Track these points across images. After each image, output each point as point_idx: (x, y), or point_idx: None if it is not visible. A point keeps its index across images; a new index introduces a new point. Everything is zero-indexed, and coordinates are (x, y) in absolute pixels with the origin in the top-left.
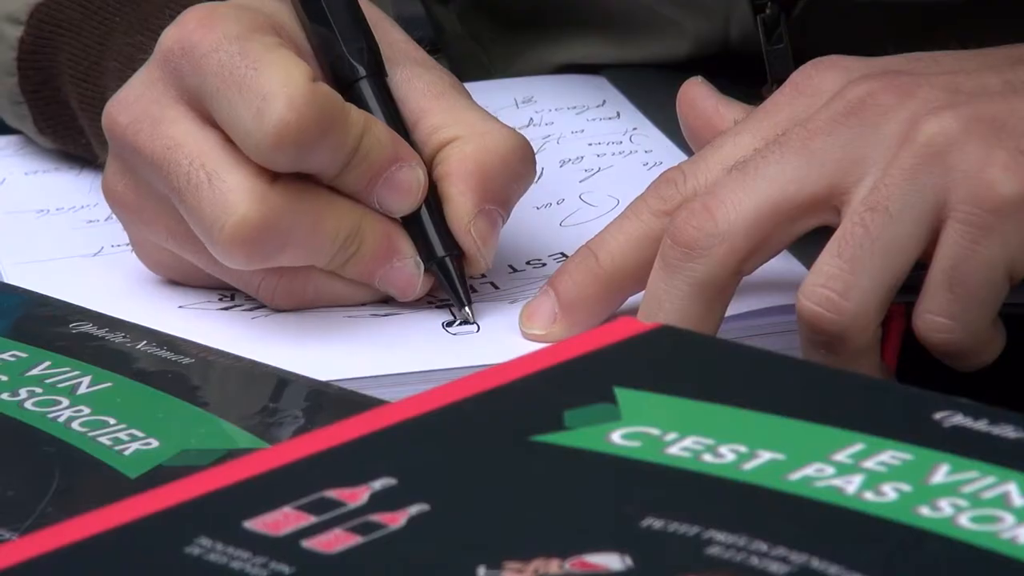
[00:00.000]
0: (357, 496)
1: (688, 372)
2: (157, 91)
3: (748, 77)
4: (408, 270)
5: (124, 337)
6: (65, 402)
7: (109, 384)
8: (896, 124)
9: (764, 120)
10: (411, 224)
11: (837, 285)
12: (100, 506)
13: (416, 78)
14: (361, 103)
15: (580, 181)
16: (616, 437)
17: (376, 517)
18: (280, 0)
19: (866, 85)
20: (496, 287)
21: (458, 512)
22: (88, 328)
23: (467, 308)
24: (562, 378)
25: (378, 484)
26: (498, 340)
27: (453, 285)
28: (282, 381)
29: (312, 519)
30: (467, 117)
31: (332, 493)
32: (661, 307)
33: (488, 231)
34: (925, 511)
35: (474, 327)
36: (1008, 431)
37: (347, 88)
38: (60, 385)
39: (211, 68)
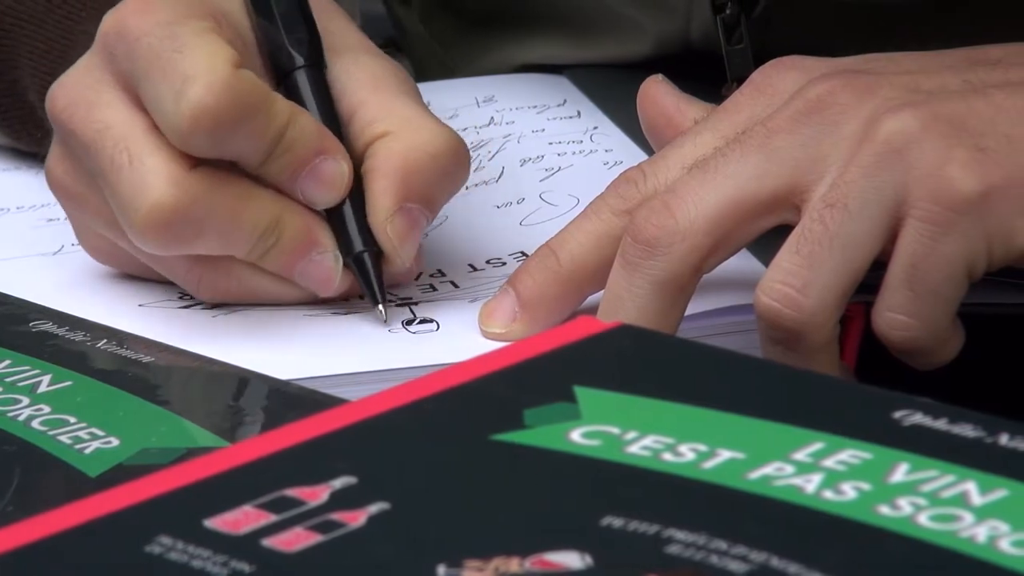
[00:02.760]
0: (317, 495)
1: (648, 371)
2: (95, 75)
3: (709, 76)
4: (326, 263)
5: (84, 336)
6: (25, 401)
7: (69, 383)
8: (855, 122)
9: (724, 119)
10: (333, 218)
11: (795, 281)
12: (60, 505)
13: (358, 69)
14: (296, 93)
15: (541, 180)
16: (576, 436)
17: (336, 516)
18: None
19: (826, 84)
20: (456, 286)
21: (418, 511)
22: (48, 327)
23: (380, 307)
24: (522, 377)
25: (338, 483)
26: (458, 339)
27: (368, 281)
28: (242, 380)
29: (272, 518)
30: (402, 112)
31: (292, 492)
32: (622, 305)
33: (406, 229)
34: (885, 510)
35: (433, 324)
36: (967, 430)
37: (284, 77)
38: (20, 384)
39: (141, 51)
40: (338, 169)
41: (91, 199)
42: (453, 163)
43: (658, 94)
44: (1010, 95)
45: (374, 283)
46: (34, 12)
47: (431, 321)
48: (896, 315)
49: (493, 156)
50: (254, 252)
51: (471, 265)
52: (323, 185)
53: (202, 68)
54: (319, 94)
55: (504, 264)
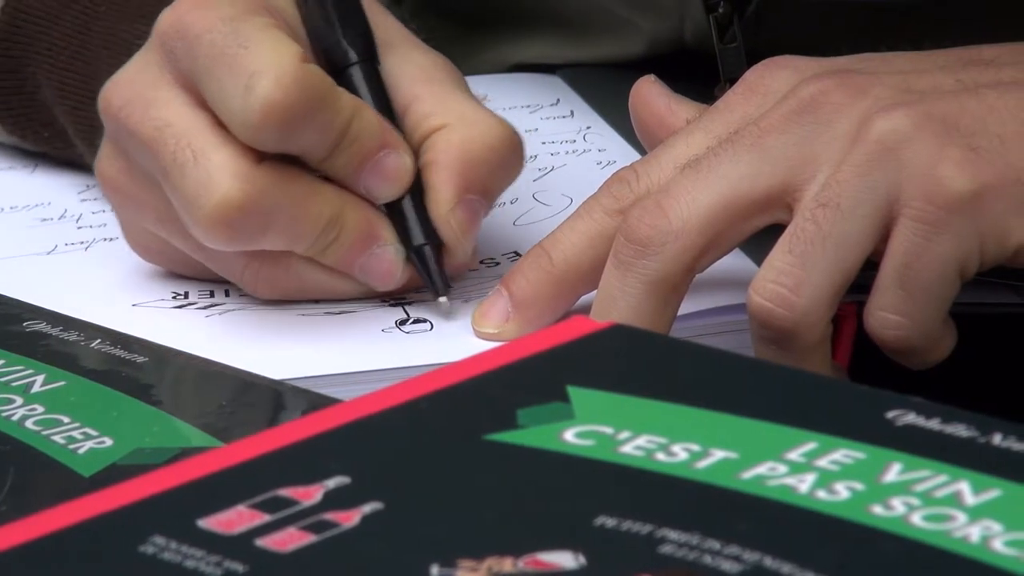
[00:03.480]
0: (311, 495)
1: (641, 371)
2: (152, 73)
3: (702, 76)
4: (388, 256)
5: (78, 335)
6: (19, 401)
7: (63, 383)
8: (848, 122)
9: (717, 119)
10: (394, 212)
11: (788, 281)
12: (54, 505)
13: (409, 63)
14: (352, 88)
15: (534, 180)
16: (569, 436)
17: (330, 516)
18: None
19: (819, 83)
20: (449, 286)
21: (412, 511)
22: (42, 327)
23: (443, 298)
24: (515, 377)
25: (332, 483)
26: (451, 339)
27: (430, 273)
28: (236, 380)
29: (266, 518)
30: (457, 105)
31: (286, 492)
32: (615, 305)
33: (468, 221)
34: (878, 510)
35: (427, 324)
36: (960, 430)
37: (339, 73)
38: (14, 384)
39: (203, 49)
40: (401, 163)
41: (146, 198)
42: (510, 154)
43: (650, 94)
44: (1002, 95)
45: (435, 275)
46: (49, 9)
47: (424, 321)
48: (888, 314)
49: None
50: (316, 246)
51: None
52: (387, 179)
53: (269, 63)
54: (375, 89)
55: (498, 264)
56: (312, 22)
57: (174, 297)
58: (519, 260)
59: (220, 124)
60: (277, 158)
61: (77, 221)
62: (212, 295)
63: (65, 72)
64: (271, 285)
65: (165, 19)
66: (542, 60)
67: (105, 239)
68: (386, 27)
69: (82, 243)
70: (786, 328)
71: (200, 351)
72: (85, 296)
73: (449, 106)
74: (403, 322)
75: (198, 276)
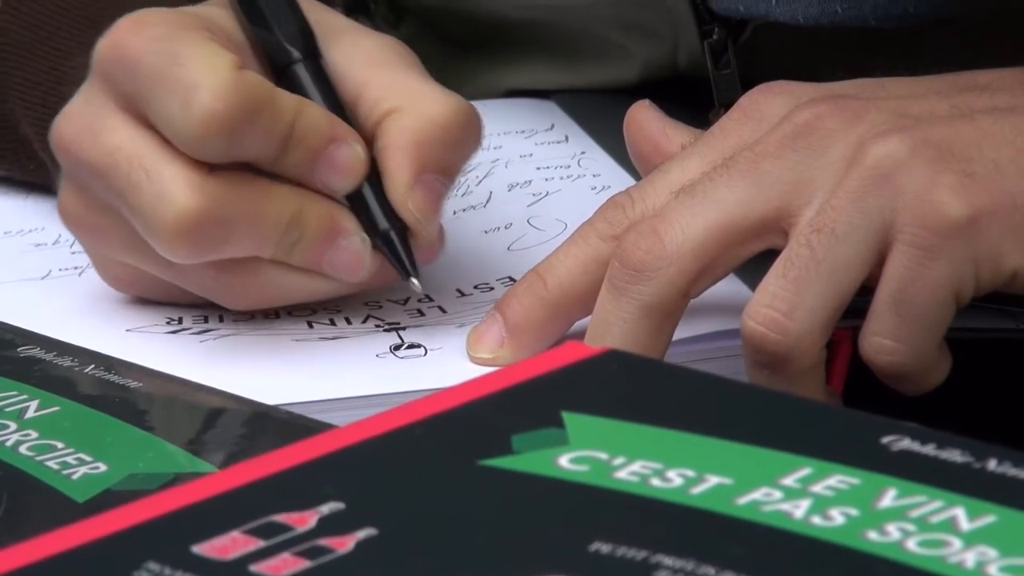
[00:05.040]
0: (305, 520)
1: (636, 396)
2: (97, 103)
3: (696, 101)
4: (354, 248)
5: (72, 361)
6: (13, 426)
7: (57, 408)
8: (843, 147)
9: (712, 144)
10: (355, 202)
11: (782, 306)
12: (48, 530)
13: (355, 50)
14: (297, 86)
15: (528, 205)
16: (564, 461)
17: (324, 541)
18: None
19: (814, 109)
20: (444, 311)
21: (406, 537)
22: (36, 352)
23: (414, 280)
24: (510, 402)
25: (326, 508)
26: (446, 364)
27: (399, 256)
28: (230, 405)
29: (260, 543)
30: (407, 86)
31: (280, 517)
32: (609, 330)
33: (426, 202)
34: (873, 535)
35: (421, 350)
36: (955, 455)
37: (283, 73)
38: (8, 409)
39: (141, 70)
40: (353, 153)
41: (109, 228)
42: (464, 130)
43: (645, 119)
44: (997, 120)
45: (404, 258)
46: (22, 41)
47: (419, 346)
48: (883, 340)
49: (481, 181)
50: (281, 247)
51: (459, 290)
52: (340, 171)
53: (205, 75)
54: (320, 83)
55: (492, 289)
56: (249, 27)
57: (168, 322)
58: (513, 286)
59: (167, 142)
60: (230, 165)
61: (71, 247)
62: (206, 320)
63: (40, 108)
64: (244, 295)
65: (103, 46)
66: (536, 86)
67: None
68: (327, 20)
69: (76, 268)
70: (780, 353)
71: (194, 376)
72: (79, 321)
73: (399, 88)
74: (397, 347)
75: (174, 300)
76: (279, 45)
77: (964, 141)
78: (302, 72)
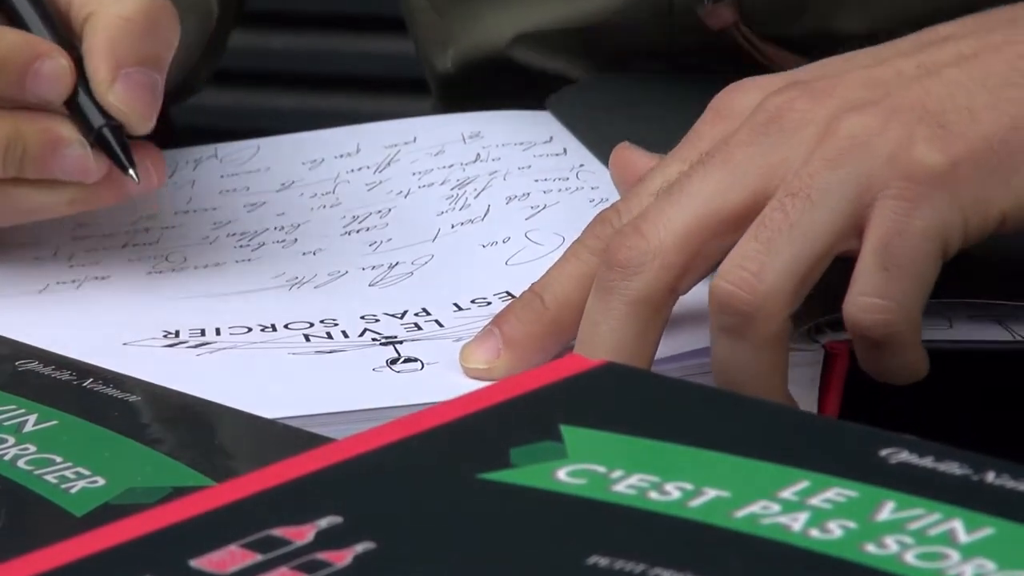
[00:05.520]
0: (303, 534)
1: (634, 409)
2: None
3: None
4: (75, 153)
5: (70, 375)
6: (11, 440)
7: (55, 422)
8: (815, 126)
9: (688, 148)
10: (73, 109)
11: (752, 265)
12: (46, 545)
13: None
14: (15, 15)
15: (526, 219)
16: (562, 475)
17: (322, 555)
18: None
19: (783, 95)
20: (441, 325)
21: (404, 550)
22: (34, 366)
23: (131, 171)
24: (508, 416)
25: (324, 522)
26: (442, 378)
27: (113, 152)
28: (228, 419)
29: (258, 557)
30: None
31: (278, 531)
32: (597, 330)
33: (130, 92)
34: (871, 548)
35: (417, 364)
36: (953, 468)
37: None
38: (6, 423)
39: None
40: (57, 65)
41: None
42: (154, 21)
43: (629, 156)
44: (964, 69)
45: (118, 152)
46: None
47: (415, 360)
48: (870, 298)
49: (479, 194)
50: (8, 167)
51: (456, 304)
52: (49, 83)
53: None
54: (32, 4)
55: (489, 304)
56: None
57: (164, 336)
58: (511, 303)
59: None
60: None
61: (69, 260)
62: (203, 334)
63: None
64: None
65: None
66: (542, 27)
67: (96, 277)
68: None
69: (73, 282)
70: (746, 312)
71: (190, 389)
72: (75, 335)
73: None
74: (394, 361)
75: None
76: None
77: (935, 96)
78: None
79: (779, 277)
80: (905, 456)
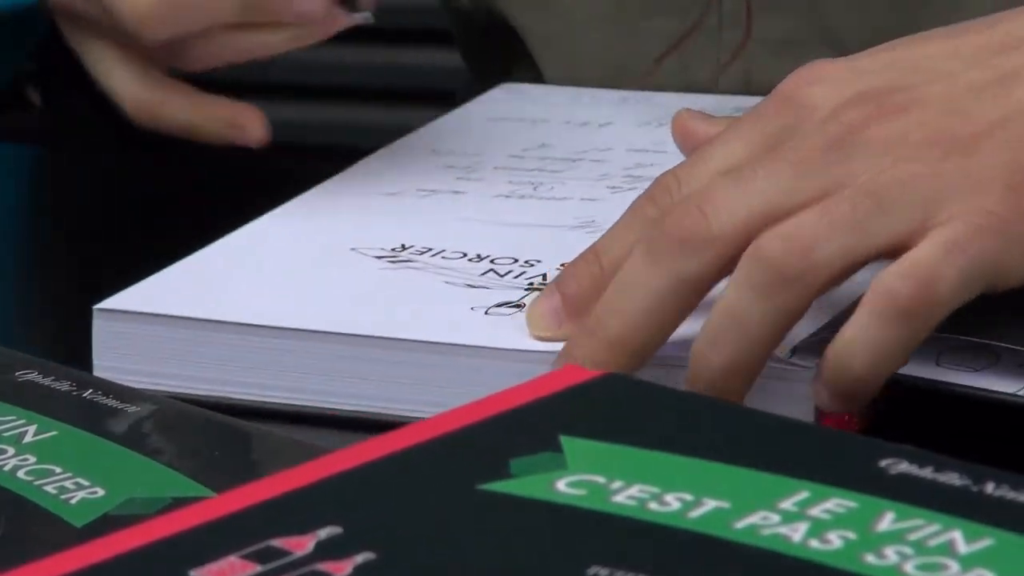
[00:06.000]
0: (303, 545)
1: (634, 420)
2: None
3: None
4: None
5: (70, 385)
6: (11, 451)
7: (55, 432)
8: (888, 152)
9: (753, 129)
10: None
11: (807, 236)
12: (46, 555)
13: None
14: None
15: None
16: (562, 485)
17: (322, 566)
18: None
19: (858, 111)
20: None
21: (404, 561)
22: (34, 376)
23: (366, 13)
24: (508, 426)
25: (324, 532)
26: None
27: None
28: (228, 429)
29: (258, 568)
30: None
31: (278, 542)
32: (635, 293)
33: None
34: (871, 559)
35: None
36: (953, 479)
37: None
38: (6, 434)
39: None
40: None
41: (100, 29)
42: None
43: (690, 123)
44: None
45: None
46: None
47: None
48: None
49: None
50: (248, 11)
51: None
52: None
53: None
54: None
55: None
56: None
57: (391, 249)
58: (571, 263)
59: None
60: None
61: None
62: (402, 248)
63: None
64: (201, 59)
65: None
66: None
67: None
68: None
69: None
70: (788, 276)
71: (334, 297)
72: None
73: None
74: (500, 305)
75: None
76: None
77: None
78: None
79: (832, 256)
80: (905, 467)
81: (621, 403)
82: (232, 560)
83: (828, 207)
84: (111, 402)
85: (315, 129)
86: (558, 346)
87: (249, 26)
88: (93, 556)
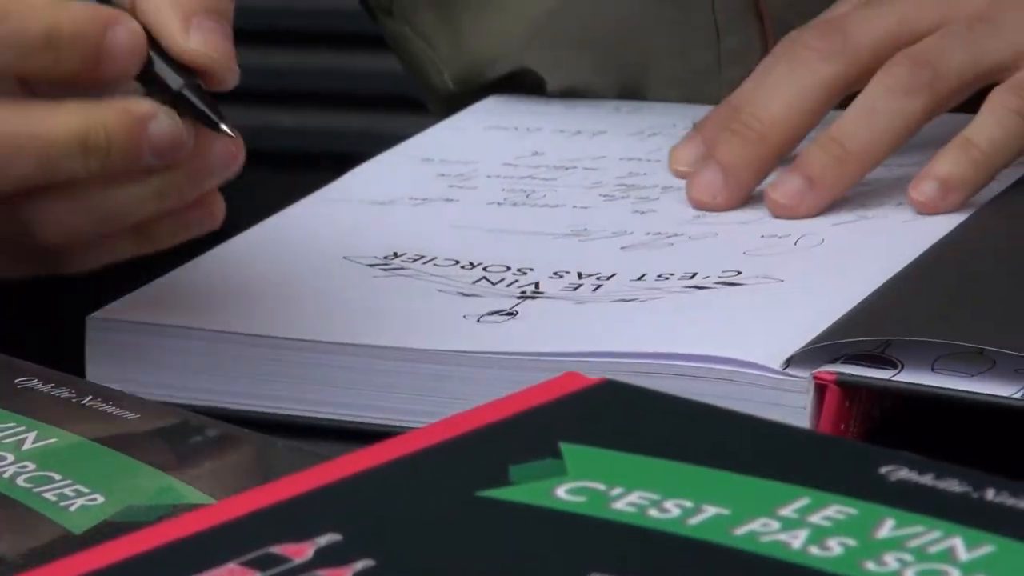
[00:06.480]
0: (302, 552)
1: (633, 427)
2: None
3: None
4: (165, 125)
5: (69, 392)
6: (10, 458)
7: (54, 439)
8: None
9: None
10: (144, 77)
11: (932, 52)
12: (45, 562)
13: None
14: None
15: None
16: (561, 492)
17: (321, 573)
18: None
19: None
20: (597, 289)
21: (403, 568)
22: (33, 383)
23: (224, 126)
24: (507, 433)
25: (323, 539)
26: (511, 331)
27: (199, 110)
28: (228, 436)
29: (258, 575)
30: None
31: (277, 549)
32: (777, 91)
33: (210, 37)
34: (871, 565)
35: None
36: (953, 485)
37: None
38: (5, 441)
39: None
40: (130, 30)
41: None
42: None
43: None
44: None
45: (205, 109)
46: None
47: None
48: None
49: None
50: (92, 162)
51: (662, 275)
52: (125, 54)
53: None
54: None
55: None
56: None
57: (384, 257)
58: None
59: None
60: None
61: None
62: (395, 256)
63: None
64: (60, 224)
65: None
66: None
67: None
68: None
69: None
70: (918, 82)
71: (329, 302)
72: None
73: None
74: (492, 313)
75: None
76: None
77: None
78: None
79: (953, 70)
80: (905, 473)
81: (621, 410)
82: (232, 567)
83: (949, 30)
84: (111, 409)
85: (308, 136)
86: (552, 352)
87: (100, 182)
88: (92, 563)
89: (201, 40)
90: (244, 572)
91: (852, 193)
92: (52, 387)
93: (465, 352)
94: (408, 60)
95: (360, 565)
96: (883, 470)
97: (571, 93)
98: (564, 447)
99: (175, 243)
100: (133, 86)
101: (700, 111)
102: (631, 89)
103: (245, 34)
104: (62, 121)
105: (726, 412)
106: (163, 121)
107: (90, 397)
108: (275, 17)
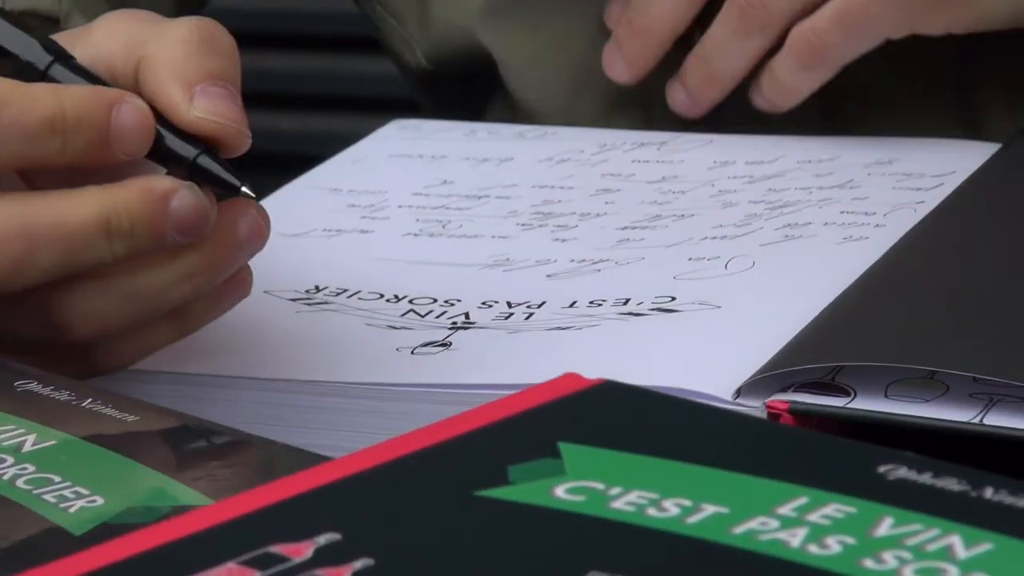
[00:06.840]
0: (301, 551)
1: (632, 426)
2: None
3: None
4: (188, 200)
5: (69, 395)
6: (10, 460)
7: (54, 442)
8: None
9: None
10: (155, 154)
11: None
12: (45, 563)
13: (96, 35)
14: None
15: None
16: (560, 492)
17: (321, 572)
18: None
19: None
20: (529, 318)
21: (402, 567)
22: (33, 386)
23: (244, 188)
24: (506, 433)
25: (322, 539)
26: (448, 364)
27: (218, 176)
28: (227, 437)
29: (257, 574)
30: (142, 32)
31: (276, 548)
32: None
33: (214, 102)
34: (870, 564)
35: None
36: (952, 484)
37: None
38: (5, 443)
39: None
40: (135, 107)
41: None
42: (208, 35)
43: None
44: None
45: (223, 174)
46: None
47: (446, 345)
48: None
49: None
50: (117, 247)
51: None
52: (133, 132)
53: None
54: (80, 72)
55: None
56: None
57: (305, 291)
58: None
59: None
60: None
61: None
62: (317, 290)
63: None
64: (93, 315)
65: None
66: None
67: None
68: (63, 35)
69: (338, 231)
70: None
71: (251, 340)
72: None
73: (138, 39)
74: (426, 344)
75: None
76: (24, 64)
77: None
78: (58, 71)
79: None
80: (903, 472)
81: (619, 409)
82: (231, 567)
83: None
84: (110, 411)
85: (308, 138)
86: (493, 384)
87: (128, 267)
88: (91, 564)
89: (205, 107)
90: (243, 571)
91: (777, 214)
92: (52, 389)
93: (405, 385)
94: (384, 41)
95: (359, 564)
96: (881, 469)
97: (528, 71)
98: (563, 447)
99: (211, 320)
100: (152, 163)
101: (607, 136)
102: (584, 69)
103: (243, 36)
104: (83, 207)
105: (725, 412)
106: (185, 196)
107: (90, 400)
108: (271, 20)
